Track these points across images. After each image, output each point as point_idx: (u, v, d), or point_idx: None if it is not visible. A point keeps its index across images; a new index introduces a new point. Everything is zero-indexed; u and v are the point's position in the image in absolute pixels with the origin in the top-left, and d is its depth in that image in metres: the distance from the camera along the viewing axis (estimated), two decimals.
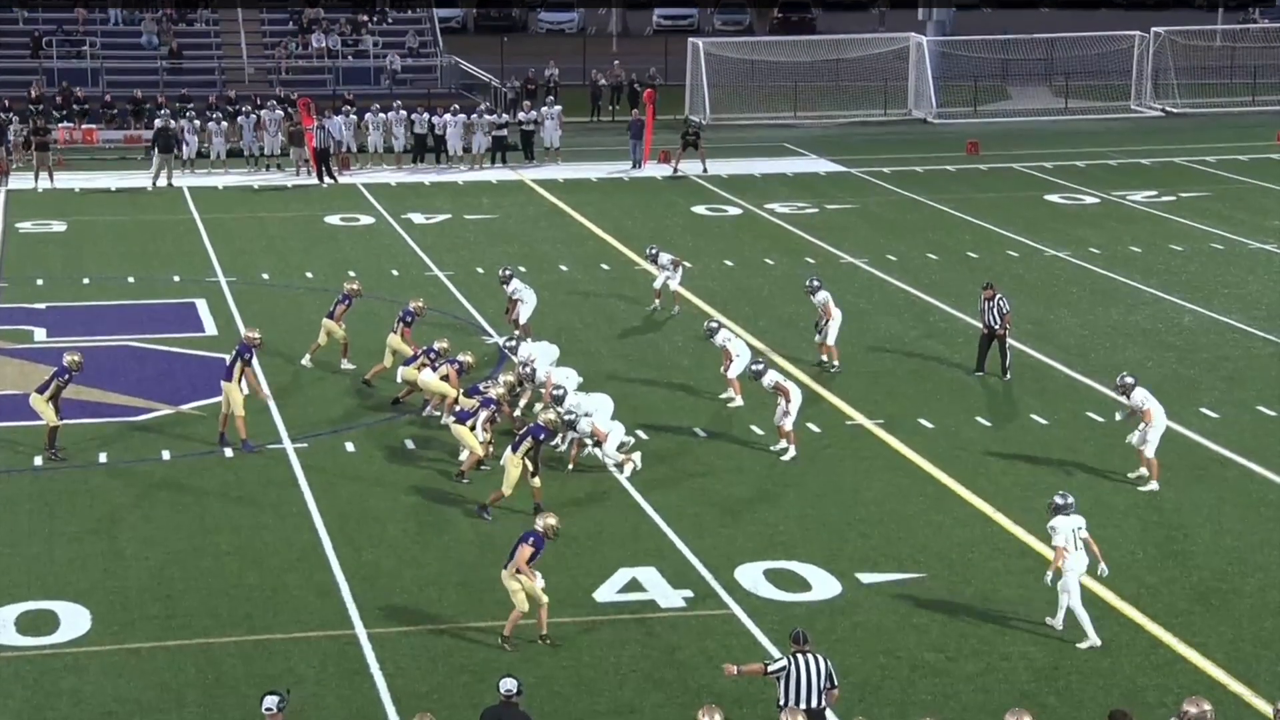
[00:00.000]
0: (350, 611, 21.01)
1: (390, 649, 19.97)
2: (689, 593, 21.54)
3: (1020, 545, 23.14)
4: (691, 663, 19.63)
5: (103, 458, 26.64)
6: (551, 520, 20.15)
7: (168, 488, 25.45)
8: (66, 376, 26.86)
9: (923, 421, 28.27)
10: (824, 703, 16.67)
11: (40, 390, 26.73)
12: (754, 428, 27.83)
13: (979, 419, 28.67)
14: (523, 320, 32.01)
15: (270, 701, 15.81)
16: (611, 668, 19.55)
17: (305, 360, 31.06)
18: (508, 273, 33.26)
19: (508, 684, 16.29)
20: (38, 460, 26.41)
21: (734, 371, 28.80)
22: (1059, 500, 20.61)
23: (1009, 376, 30.56)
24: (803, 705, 16.39)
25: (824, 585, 21.82)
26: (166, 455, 26.76)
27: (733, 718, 15.77)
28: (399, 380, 28.71)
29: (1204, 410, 28.71)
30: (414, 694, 18.73)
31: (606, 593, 21.58)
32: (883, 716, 16.85)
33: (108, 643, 20.22)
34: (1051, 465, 26.23)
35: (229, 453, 26.75)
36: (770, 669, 16.83)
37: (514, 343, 29.77)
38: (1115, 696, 18.08)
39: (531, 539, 19.91)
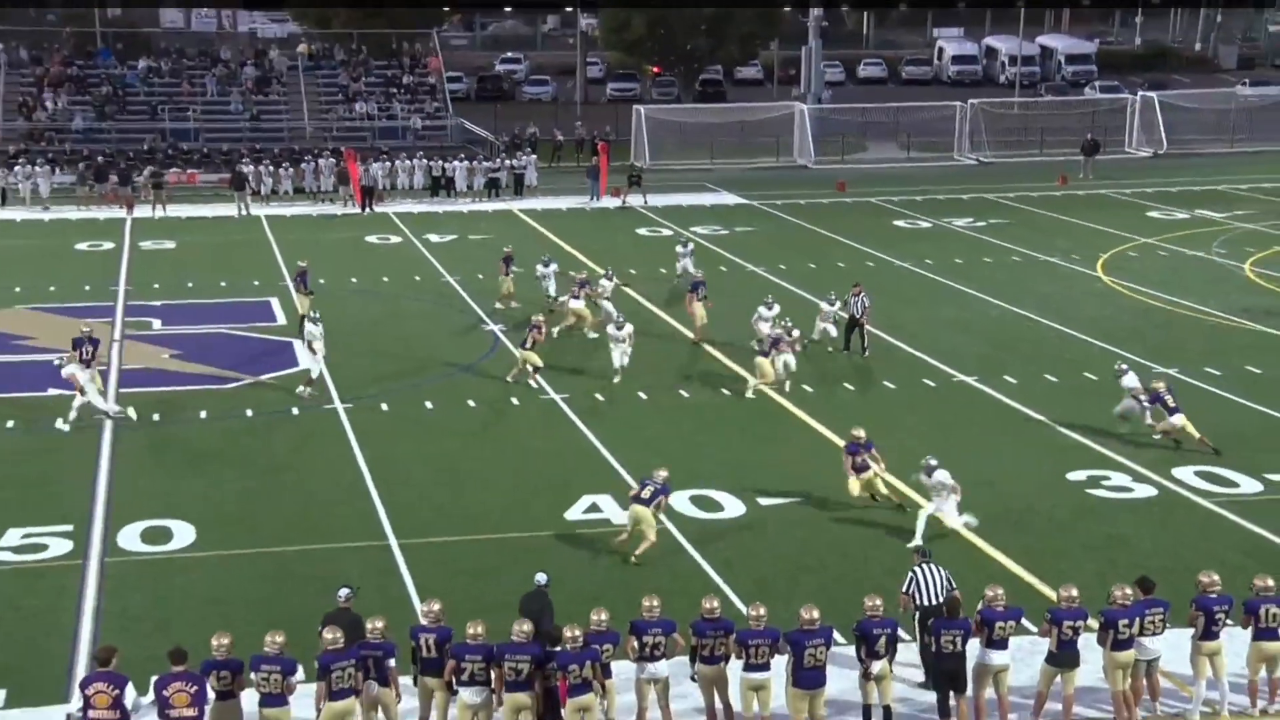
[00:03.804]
0: (385, 528, 20.88)
1: (414, 555, 19.86)
2: None
3: None
4: (639, 566, 19.57)
5: (203, 414, 26.39)
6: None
7: (250, 437, 25.23)
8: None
9: (805, 387, 28.26)
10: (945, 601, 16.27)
11: None
12: (682, 392, 27.76)
13: (846, 385, 28.68)
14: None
15: (344, 592, 15.53)
16: (581, 568, 19.47)
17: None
18: (546, 258, 35.18)
19: (540, 576, 16.15)
20: (156, 416, 26.16)
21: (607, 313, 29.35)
22: None
23: (868, 354, 30.59)
24: (931, 602, 16.09)
25: (733, 507, 21.81)
26: (250, 413, 26.51)
27: (668, 605, 15.67)
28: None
29: (1008, 378, 28.80)
30: (431, 589, 18.50)
31: (574, 514, 21.49)
32: (775, 606, 16.76)
33: (208, 550, 20.07)
34: (897, 420, 26.28)
35: (295, 411, 26.52)
36: (907, 589, 16.39)
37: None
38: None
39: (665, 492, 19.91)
